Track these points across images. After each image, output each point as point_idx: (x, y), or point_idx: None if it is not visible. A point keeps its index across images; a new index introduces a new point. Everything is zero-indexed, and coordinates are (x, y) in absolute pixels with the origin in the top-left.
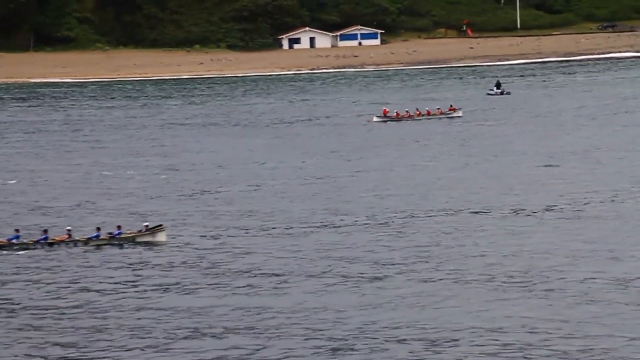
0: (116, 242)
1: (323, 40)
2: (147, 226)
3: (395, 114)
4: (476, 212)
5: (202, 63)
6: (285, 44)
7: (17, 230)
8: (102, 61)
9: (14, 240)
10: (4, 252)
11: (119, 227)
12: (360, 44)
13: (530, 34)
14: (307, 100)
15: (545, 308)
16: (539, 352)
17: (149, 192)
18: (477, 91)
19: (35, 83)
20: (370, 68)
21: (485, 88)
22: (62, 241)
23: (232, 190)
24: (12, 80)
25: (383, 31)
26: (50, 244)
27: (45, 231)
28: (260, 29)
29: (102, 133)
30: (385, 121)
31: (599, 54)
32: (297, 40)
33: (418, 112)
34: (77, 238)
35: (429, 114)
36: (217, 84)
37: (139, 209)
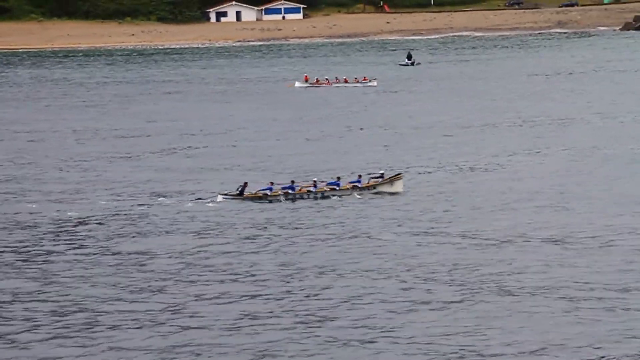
0: (356, 191)
1: (249, 14)
2: (382, 174)
3: (315, 80)
4: None
5: (133, 35)
6: (213, 17)
7: (271, 183)
8: (37, 31)
9: (267, 192)
10: (262, 202)
11: (359, 177)
12: (284, 17)
13: (443, 10)
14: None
15: None
16: None
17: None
18: (391, 62)
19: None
20: (293, 41)
21: (398, 59)
22: (308, 190)
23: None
24: None
25: (305, 6)
26: (296, 195)
27: (292, 181)
28: (189, 2)
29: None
30: (306, 87)
31: (506, 29)
32: (224, 14)
33: (337, 80)
34: (320, 188)
35: (346, 82)
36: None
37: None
